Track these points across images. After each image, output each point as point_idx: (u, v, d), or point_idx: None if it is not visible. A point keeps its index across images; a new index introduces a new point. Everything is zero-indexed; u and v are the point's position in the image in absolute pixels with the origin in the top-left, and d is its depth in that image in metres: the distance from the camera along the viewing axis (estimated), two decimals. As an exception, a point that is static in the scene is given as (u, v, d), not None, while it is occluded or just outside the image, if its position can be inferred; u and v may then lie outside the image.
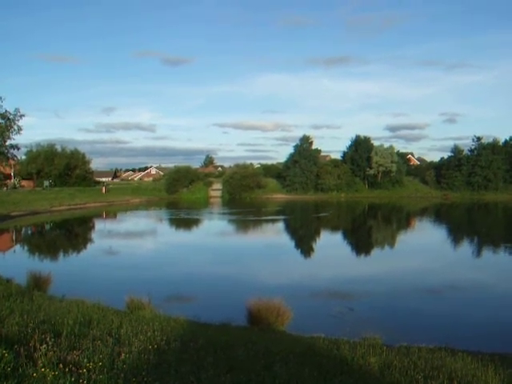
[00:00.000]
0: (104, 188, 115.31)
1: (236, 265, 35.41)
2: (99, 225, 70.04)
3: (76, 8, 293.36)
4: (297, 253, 44.23)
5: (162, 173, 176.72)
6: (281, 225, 66.90)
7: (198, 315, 17.69)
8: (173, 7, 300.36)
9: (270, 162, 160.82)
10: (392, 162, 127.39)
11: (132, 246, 46.94)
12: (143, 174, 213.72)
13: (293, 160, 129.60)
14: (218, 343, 11.55)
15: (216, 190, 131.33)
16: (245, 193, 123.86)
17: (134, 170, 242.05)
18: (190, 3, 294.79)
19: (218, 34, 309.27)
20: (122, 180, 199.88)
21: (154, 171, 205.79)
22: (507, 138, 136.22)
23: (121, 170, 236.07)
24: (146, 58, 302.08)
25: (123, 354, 9.35)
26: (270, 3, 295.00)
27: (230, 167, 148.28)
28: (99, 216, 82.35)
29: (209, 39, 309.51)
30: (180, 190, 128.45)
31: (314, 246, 48.14)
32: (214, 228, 62.51)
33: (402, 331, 18.28)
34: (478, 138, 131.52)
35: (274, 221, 70.58)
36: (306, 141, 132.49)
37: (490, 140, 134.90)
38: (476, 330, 19.70)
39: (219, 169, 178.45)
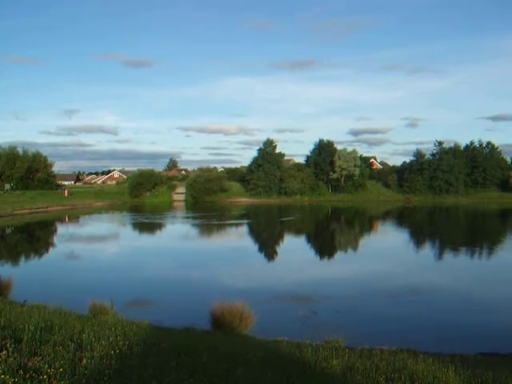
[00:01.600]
0: (66, 191, 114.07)
1: (200, 269, 35.31)
2: (61, 229, 69.27)
3: (37, 10, 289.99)
4: (261, 257, 44.27)
5: (125, 176, 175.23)
6: (244, 229, 66.93)
7: (161, 319, 17.62)
8: (136, 11, 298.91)
9: (233, 166, 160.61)
10: (355, 165, 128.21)
11: (95, 250, 46.58)
12: (106, 177, 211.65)
13: (256, 164, 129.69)
14: (181, 347, 11.52)
15: (179, 193, 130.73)
16: (208, 196, 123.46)
17: (96, 174, 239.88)
18: (154, 7, 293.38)
19: (183, 37, 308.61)
20: (85, 183, 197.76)
21: (117, 174, 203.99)
22: (468, 143, 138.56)
23: (83, 173, 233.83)
24: (109, 61, 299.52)
25: (85, 360, 9.25)
26: (236, 7, 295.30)
27: (194, 171, 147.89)
28: (61, 220, 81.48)
29: (173, 42, 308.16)
30: (143, 194, 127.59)
31: (277, 249, 48.24)
32: (178, 232, 62.32)
33: (365, 334, 18.43)
34: (440, 143, 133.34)
35: (237, 225, 70.65)
36: (269, 145, 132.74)
37: (452, 145, 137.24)
38: (437, 332, 19.94)
39: (183, 172, 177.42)
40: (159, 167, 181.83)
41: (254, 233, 63.79)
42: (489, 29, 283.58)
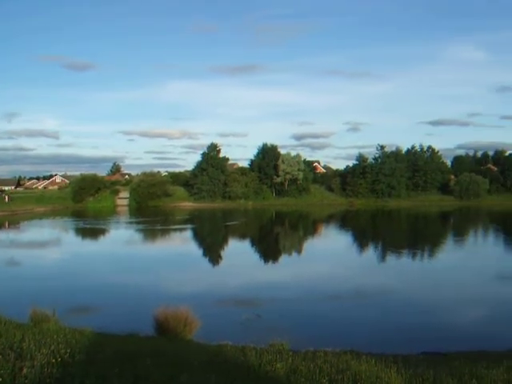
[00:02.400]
0: (7, 197, 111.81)
1: (144, 274, 35.02)
2: (1, 235, 67.89)
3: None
4: (205, 261, 44.24)
5: (67, 181, 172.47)
6: (189, 233, 66.68)
7: (104, 326, 17.38)
8: (80, 13, 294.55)
9: (177, 170, 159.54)
10: (299, 169, 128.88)
11: (36, 256, 45.77)
12: (48, 182, 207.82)
13: (200, 168, 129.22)
14: (125, 354, 11.40)
15: (123, 198, 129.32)
16: (152, 201, 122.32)
17: (38, 178, 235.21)
18: (97, 6, 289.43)
19: (126, 40, 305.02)
20: (26, 188, 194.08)
21: (59, 179, 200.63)
22: (409, 147, 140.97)
23: (25, 178, 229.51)
24: (50, 63, 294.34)
25: (25, 369, 9.08)
26: (180, 10, 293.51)
27: (138, 175, 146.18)
28: (1, 226, 79.82)
29: (116, 45, 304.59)
30: (86, 199, 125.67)
31: (222, 254, 48.24)
32: (121, 237, 61.69)
33: (309, 336, 18.57)
34: (382, 147, 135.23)
35: (181, 229, 70.37)
36: (213, 149, 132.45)
37: (393, 149, 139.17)
38: (381, 333, 20.25)
39: (126, 177, 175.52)
40: (102, 172, 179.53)
41: (199, 237, 63.61)
42: (429, 35, 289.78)
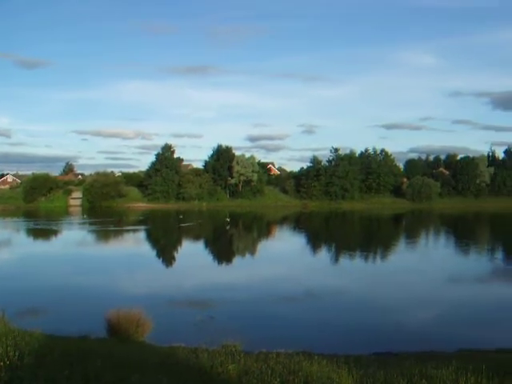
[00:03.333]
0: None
1: (96, 276, 34.67)
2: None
3: None
4: (158, 262, 43.98)
5: (19, 180, 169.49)
6: (142, 234, 66.24)
7: (55, 328, 17.11)
8: (31, 9, 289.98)
9: (131, 171, 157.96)
10: (253, 171, 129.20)
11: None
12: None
13: (154, 169, 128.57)
14: (75, 356, 11.24)
15: (76, 198, 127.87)
16: (105, 201, 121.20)
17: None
18: (51, 5, 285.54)
19: (80, 39, 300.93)
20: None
21: (10, 179, 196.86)
22: (363, 150, 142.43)
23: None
24: (1, 60, 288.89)
25: (-28, 372, 8.92)
26: (135, 10, 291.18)
27: (91, 175, 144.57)
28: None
29: (70, 43, 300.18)
30: (38, 199, 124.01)
31: (175, 255, 48.05)
32: (73, 238, 60.85)
33: (262, 337, 18.59)
34: (336, 150, 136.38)
35: (135, 231, 69.84)
36: (167, 149, 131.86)
37: (347, 151, 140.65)
38: (333, 334, 20.40)
39: (79, 177, 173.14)
40: (55, 171, 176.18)
41: (152, 239, 63.21)
42: (383, 40, 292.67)
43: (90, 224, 79.92)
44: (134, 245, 55.70)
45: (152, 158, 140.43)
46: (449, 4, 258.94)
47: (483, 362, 11.32)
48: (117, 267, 39.14)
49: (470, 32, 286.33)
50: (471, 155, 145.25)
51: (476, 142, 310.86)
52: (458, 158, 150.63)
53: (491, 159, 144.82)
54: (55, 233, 67.20)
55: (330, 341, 18.95)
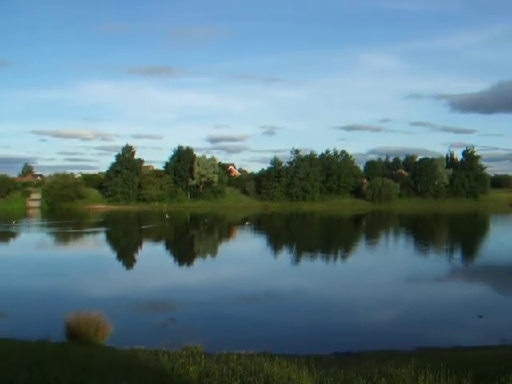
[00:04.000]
0: None
1: (55, 279, 34.19)
2: None
3: None
4: (119, 265, 43.63)
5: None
6: (102, 237, 65.64)
7: (13, 332, 16.91)
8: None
9: (91, 172, 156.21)
10: (214, 172, 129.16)
11: None
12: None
13: (115, 170, 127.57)
14: (34, 360, 11.11)
15: (35, 200, 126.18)
16: (65, 203, 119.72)
17: None
18: (12, 7, 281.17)
19: (40, 39, 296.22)
20: None
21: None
22: (323, 151, 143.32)
23: None
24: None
25: None
26: (94, 10, 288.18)
27: (50, 176, 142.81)
28: None
29: (31, 45, 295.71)
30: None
31: (136, 257, 47.74)
32: (32, 240, 60.01)
33: (224, 339, 18.59)
34: (297, 151, 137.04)
35: (95, 233, 69.16)
36: (128, 150, 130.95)
37: (308, 153, 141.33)
38: (294, 335, 20.45)
39: (38, 178, 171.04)
40: (13, 172, 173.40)
41: (113, 241, 62.65)
42: (343, 42, 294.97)
43: (49, 226, 78.92)
44: (94, 247, 55.20)
45: (112, 159, 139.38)
46: (411, 8, 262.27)
47: (441, 360, 11.50)
48: (76, 270, 38.66)
49: (430, 36, 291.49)
50: (430, 157, 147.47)
51: (435, 144, 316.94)
52: (417, 159, 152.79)
53: (450, 161, 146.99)
54: (13, 235, 66.09)
55: (291, 341, 19.00)
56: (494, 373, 9.75)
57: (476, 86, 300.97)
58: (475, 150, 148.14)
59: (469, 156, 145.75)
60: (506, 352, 15.44)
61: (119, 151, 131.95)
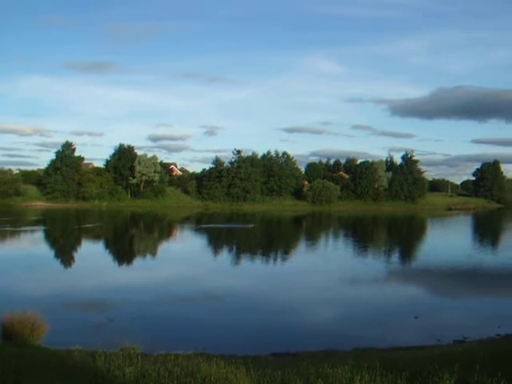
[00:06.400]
0: None
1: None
2: None
3: None
4: (56, 264, 42.81)
5: None
6: (39, 235, 64.40)
7: None
8: None
9: (29, 169, 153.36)
10: (155, 171, 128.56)
11: None
12: None
13: (54, 167, 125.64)
14: (-35, 361, 10.89)
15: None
16: (2, 200, 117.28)
17: None
18: None
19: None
20: None
21: None
22: (265, 153, 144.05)
23: None
24: None
25: None
26: (31, 2, 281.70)
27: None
28: None
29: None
30: None
31: (74, 256, 47.03)
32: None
33: (162, 339, 18.50)
34: (238, 151, 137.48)
35: (33, 231, 67.84)
36: (68, 147, 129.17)
37: (250, 153, 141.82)
38: (233, 335, 20.51)
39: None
40: None
41: (50, 239, 61.52)
42: (286, 45, 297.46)
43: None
44: (31, 245, 54.14)
45: (52, 155, 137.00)
46: (355, 13, 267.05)
47: (377, 360, 11.69)
48: (11, 269, 37.87)
49: (371, 41, 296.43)
50: (370, 160, 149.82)
51: (375, 148, 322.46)
52: (358, 162, 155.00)
53: (389, 164, 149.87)
54: None
55: (230, 342, 19.03)
56: (428, 372, 9.99)
57: (416, 91, 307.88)
58: (414, 154, 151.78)
59: (408, 160, 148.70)
60: (440, 352, 15.84)
61: (59, 148, 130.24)
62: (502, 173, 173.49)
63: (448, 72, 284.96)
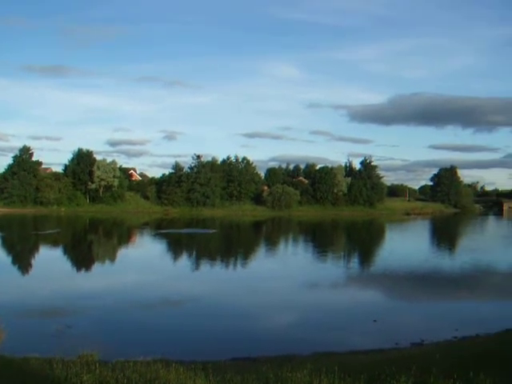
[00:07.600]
0: None
1: None
2: None
3: None
4: (13, 271, 42.17)
5: None
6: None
7: None
8: None
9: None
10: (114, 176, 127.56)
11: None
12: None
13: (11, 171, 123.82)
14: None
15: None
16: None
17: None
18: None
19: None
20: None
21: None
22: (225, 158, 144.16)
23: None
24: None
25: None
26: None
27: None
28: None
29: None
30: None
31: (31, 263, 46.43)
32: None
33: (121, 346, 18.43)
34: (198, 156, 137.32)
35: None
36: (25, 152, 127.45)
37: (209, 158, 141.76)
38: (193, 341, 20.50)
39: None
40: None
41: (6, 246, 60.62)
42: (246, 49, 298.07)
43: None
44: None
45: (9, 160, 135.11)
46: (315, 19, 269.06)
47: (336, 364, 11.78)
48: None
49: (331, 47, 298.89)
50: (329, 165, 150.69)
51: (334, 153, 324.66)
52: (317, 167, 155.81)
53: (348, 170, 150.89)
54: None
55: (189, 347, 19.05)
56: (385, 375, 10.11)
57: (374, 97, 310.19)
58: (372, 159, 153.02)
59: (366, 165, 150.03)
60: (398, 355, 16.03)
61: (16, 152, 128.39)
62: (459, 178, 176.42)
63: (406, 79, 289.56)
